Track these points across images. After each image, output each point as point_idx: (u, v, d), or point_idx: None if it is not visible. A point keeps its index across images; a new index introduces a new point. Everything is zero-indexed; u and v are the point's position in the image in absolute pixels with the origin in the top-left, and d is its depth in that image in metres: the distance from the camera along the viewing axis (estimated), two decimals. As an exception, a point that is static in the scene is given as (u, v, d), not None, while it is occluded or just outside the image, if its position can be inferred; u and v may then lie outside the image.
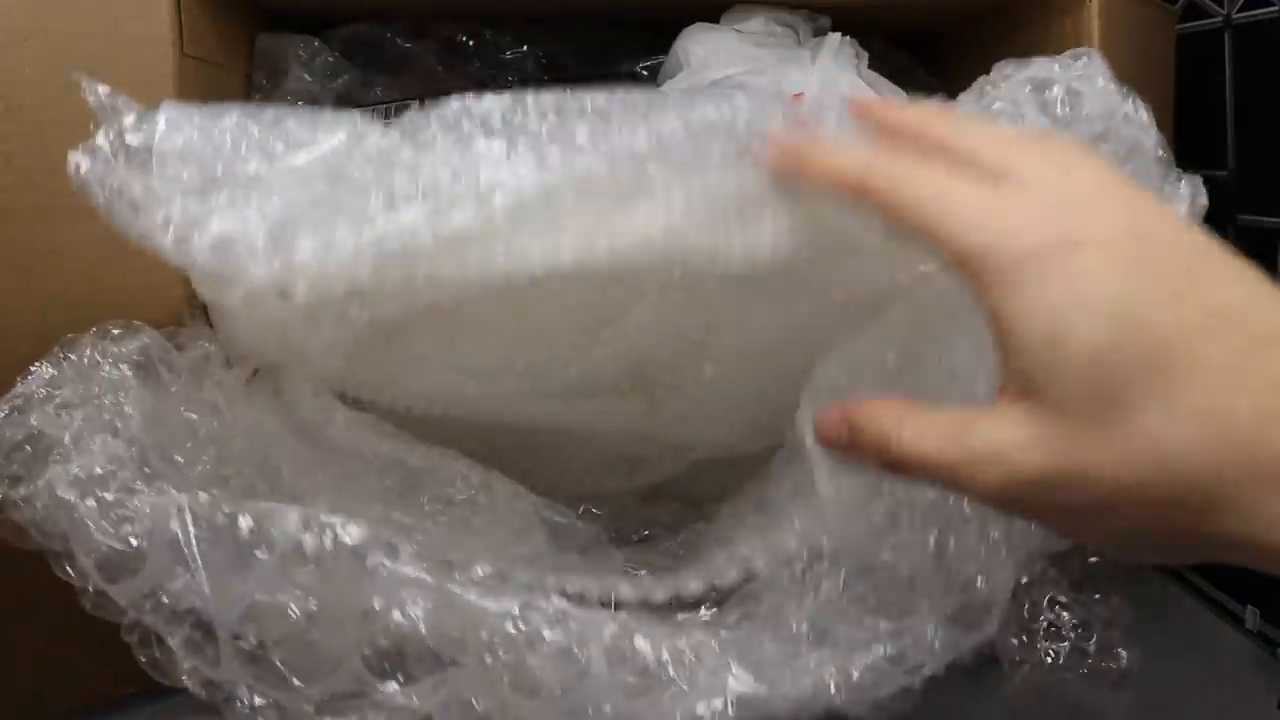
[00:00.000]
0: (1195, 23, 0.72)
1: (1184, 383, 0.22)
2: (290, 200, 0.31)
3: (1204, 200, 0.38)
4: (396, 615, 0.28)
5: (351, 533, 0.29)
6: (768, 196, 0.32)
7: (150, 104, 0.41)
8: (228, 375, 0.38)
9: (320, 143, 0.32)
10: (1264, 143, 0.66)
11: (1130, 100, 0.39)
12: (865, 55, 0.52)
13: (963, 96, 0.41)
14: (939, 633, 0.29)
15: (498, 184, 0.31)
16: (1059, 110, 0.39)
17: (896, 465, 0.26)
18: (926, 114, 0.30)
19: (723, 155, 0.31)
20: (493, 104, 0.33)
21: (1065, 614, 0.41)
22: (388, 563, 0.28)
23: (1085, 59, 0.40)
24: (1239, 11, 0.70)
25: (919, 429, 0.26)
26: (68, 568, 0.29)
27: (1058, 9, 0.52)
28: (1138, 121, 0.39)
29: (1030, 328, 0.24)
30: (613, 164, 0.31)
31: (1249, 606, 0.55)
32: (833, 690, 0.28)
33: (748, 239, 0.33)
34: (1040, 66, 0.40)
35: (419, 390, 0.41)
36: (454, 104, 0.33)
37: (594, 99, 0.33)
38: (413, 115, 0.33)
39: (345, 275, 0.31)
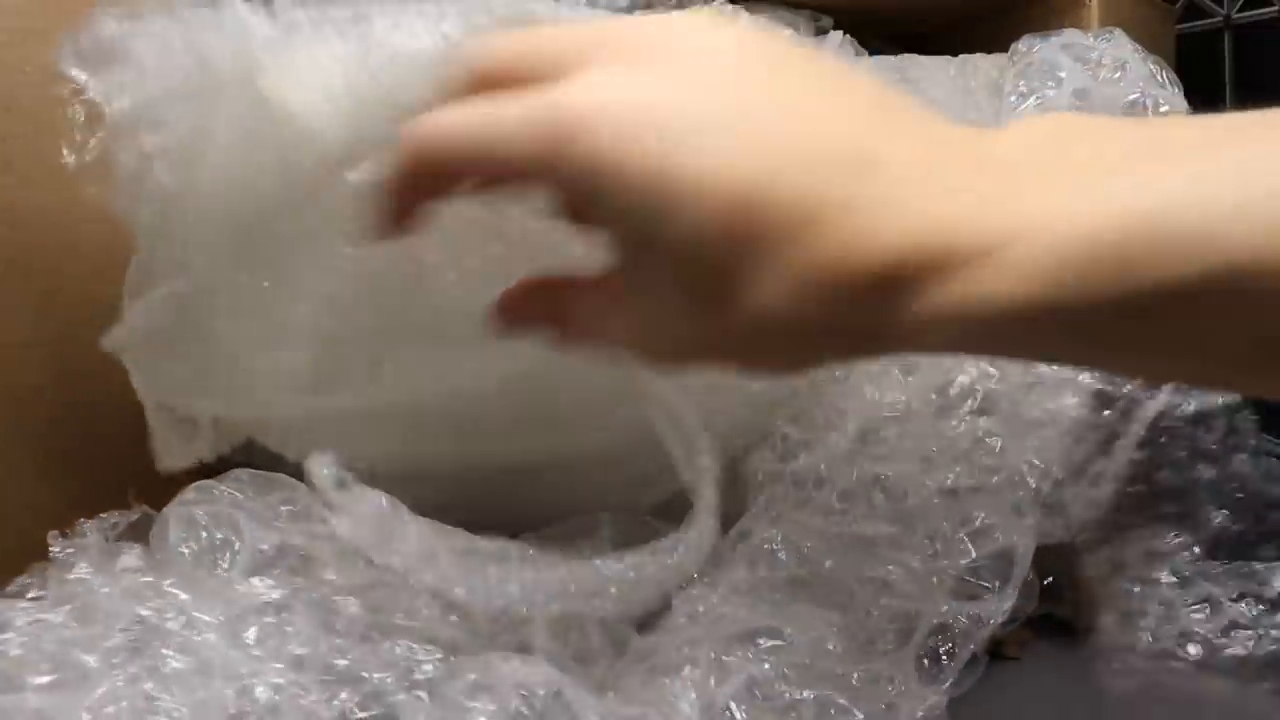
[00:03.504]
0: (1195, 23, 0.72)
1: None
2: None
3: None
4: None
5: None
6: None
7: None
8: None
9: None
10: (1264, 143, 0.67)
11: (1159, 66, 0.41)
12: (865, 55, 0.52)
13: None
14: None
15: None
16: (1102, 72, 0.41)
17: None
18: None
19: None
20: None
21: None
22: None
23: (1111, 32, 0.42)
24: (1239, 11, 0.71)
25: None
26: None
27: (1056, 9, 0.53)
28: (1166, 84, 0.41)
29: None
30: None
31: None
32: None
33: None
34: (1071, 36, 0.42)
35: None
36: None
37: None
38: None
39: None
